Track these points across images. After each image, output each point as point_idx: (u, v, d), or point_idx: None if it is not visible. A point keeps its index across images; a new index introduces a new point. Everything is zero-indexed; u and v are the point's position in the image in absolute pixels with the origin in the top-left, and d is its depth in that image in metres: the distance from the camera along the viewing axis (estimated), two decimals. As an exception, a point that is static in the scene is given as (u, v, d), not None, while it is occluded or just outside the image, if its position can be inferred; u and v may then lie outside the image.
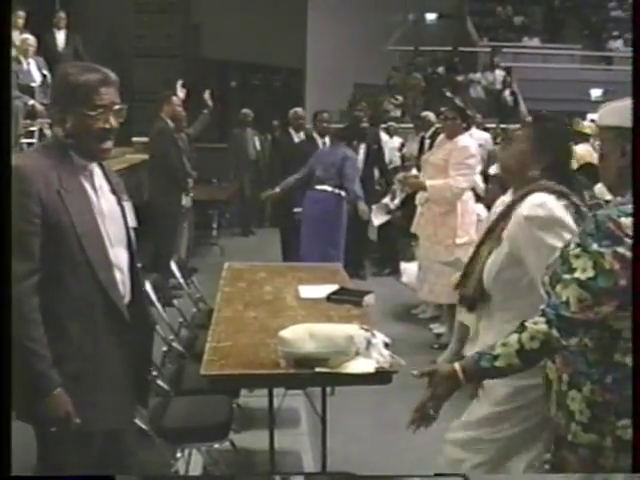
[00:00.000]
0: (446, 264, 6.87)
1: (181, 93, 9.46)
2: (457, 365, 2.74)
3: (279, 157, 11.33)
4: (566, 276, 2.58)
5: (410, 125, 14.30)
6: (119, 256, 3.20)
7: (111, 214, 3.20)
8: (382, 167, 11.89)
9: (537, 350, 2.62)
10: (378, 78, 19.88)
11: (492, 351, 2.68)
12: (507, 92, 19.49)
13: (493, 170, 8.46)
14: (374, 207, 11.02)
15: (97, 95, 3.04)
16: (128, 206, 3.30)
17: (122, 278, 3.21)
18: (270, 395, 4.56)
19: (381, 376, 3.96)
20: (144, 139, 9.99)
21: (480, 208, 8.07)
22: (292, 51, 18.52)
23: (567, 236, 2.99)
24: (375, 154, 11.36)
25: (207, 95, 10.12)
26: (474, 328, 3.66)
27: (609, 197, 3.18)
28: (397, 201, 10.81)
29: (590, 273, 2.50)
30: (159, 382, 4.60)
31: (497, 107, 19.13)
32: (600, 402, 2.62)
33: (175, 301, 5.97)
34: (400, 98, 18.94)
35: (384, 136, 13.38)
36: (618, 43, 23.26)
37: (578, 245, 2.58)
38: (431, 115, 11.93)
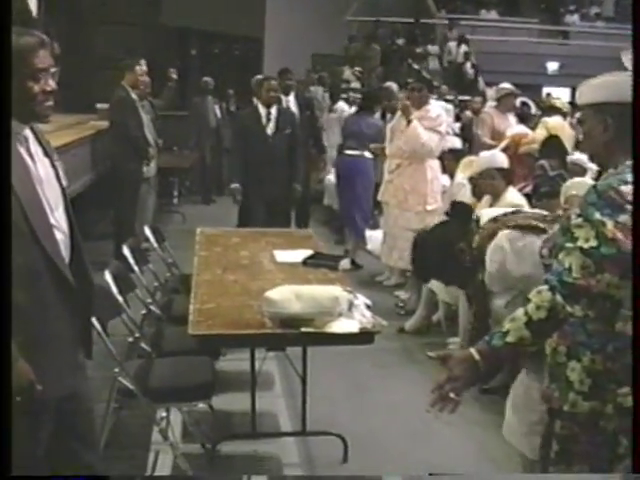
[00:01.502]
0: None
1: (144, 66, 9.43)
2: (472, 348, 2.69)
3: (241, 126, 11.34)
4: (569, 244, 2.61)
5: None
6: (59, 219, 3.16)
7: (48, 178, 3.12)
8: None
9: (545, 319, 2.60)
10: (336, 48, 19.91)
11: (502, 328, 2.67)
12: (468, 65, 19.61)
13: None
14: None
15: (37, 58, 2.97)
16: (60, 166, 3.26)
17: (64, 240, 3.20)
18: (252, 357, 4.65)
19: (364, 336, 4.07)
20: (107, 105, 9.94)
21: (445, 179, 8.20)
22: (251, 20, 18.44)
23: None
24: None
25: (171, 71, 10.36)
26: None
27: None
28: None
29: (593, 242, 2.53)
30: (142, 344, 4.67)
31: (456, 79, 19.25)
32: (601, 370, 2.65)
33: (150, 265, 5.99)
34: (360, 69, 19.01)
35: (345, 106, 13.40)
36: (574, 17, 23.50)
37: (579, 215, 2.61)
38: (394, 86, 12.01)
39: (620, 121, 2.59)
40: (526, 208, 6.26)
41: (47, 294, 3.02)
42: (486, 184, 6.55)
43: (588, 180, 5.71)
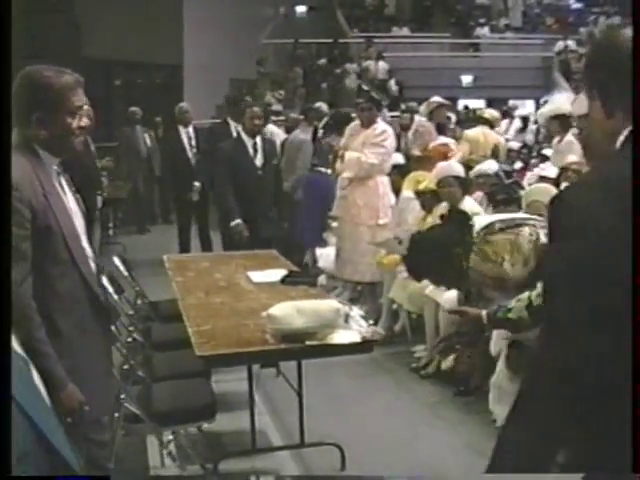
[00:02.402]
0: (378, 245, 7.19)
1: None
2: (483, 311, 3.13)
3: (168, 153, 11.55)
4: None
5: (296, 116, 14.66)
6: (87, 248, 3.31)
7: (76, 209, 3.31)
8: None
9: (542, 307, 2.72)
10: (254, 72, 20.05)
11: (508, 304, 3.04)
12: (392, 81, 19.91)
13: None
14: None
15: (76, 96, 3.12)
16: (79, 198, 3.40)
17: (94, 267, 3.32)
18: (249, 375, 4.75)
19: (365, 345, 4.22)
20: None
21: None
22: (170, 48, 18.55)
23: None
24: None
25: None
26: None
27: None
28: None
29: None
30: (137, 371, 4.74)
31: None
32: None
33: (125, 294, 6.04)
34: (282, 92, 19.19)
35: (275, 129, 13.53)
36: (484, 30, 24.02)
37: None
38: (324, 106, 12.25)
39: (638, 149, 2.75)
40: (482, 216, 6.47)
41: (86, 321, 3.12)
42: (444, 192, 6.76)
43: (550, 187, 5.93)
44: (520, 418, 1.91)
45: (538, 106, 20.84)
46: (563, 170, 6.56)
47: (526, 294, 2.99)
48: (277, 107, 17.31)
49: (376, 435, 5.36)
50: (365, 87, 10.91)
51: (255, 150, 7.67)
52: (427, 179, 7.29)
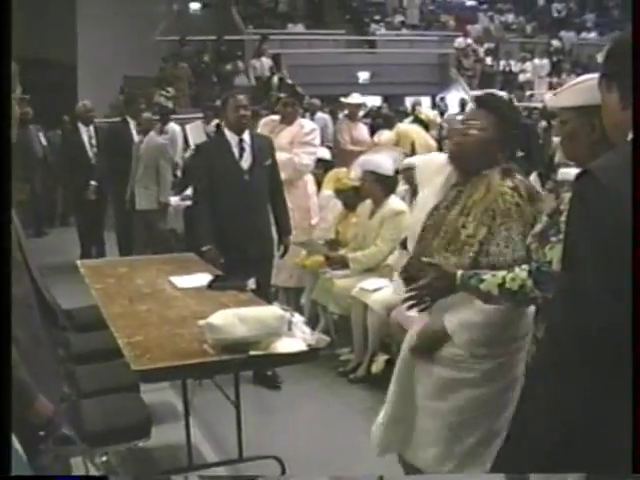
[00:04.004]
0: (300, 245, 6.96)
1: None
2: (459, 271, 3.14)
3: (67, 153, 11.27)
4: (553, 239, 2.81)
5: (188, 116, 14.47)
6: None
7: None
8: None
9: (514, 291, 2.99)
10: (149, 70, 19.62)
11: (483, 275, 3.09)
12: (275, 78, 19.68)
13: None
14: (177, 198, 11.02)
15: None
16: None
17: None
18: (184, 388, 4.48)
19: (311, 353, 3.99)
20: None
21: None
22: (64, 47, 18.05)
23: None
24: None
25: None
26: None
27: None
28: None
29: None
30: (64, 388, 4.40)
31: (265, 93, 19.23)
32: None
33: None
34: (171, 90, 18.83)
35: (177, 127, 13.33)
36: (380, 27, 24.08)
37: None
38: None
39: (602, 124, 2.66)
40: (408, 215, 6.32)
41: (39, 328, 2.87)
42: (367, 188, 6.56)
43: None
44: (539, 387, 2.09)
45: (434, 103, 21.03)
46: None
47: (501, 273, 3.04)
48: (167, 105, 16.95)
49: (312, 445, 5.14)
50: (289, 81, 10.70)
51: (242, 149, 6.30)
52: (345, 176, 7.13)
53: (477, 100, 3.79)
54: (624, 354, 1.85)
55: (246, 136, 6.32)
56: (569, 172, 6.01)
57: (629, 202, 1.85)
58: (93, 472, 4.03)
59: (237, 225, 6.14)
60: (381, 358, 6.28)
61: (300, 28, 23.60)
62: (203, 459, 4.95)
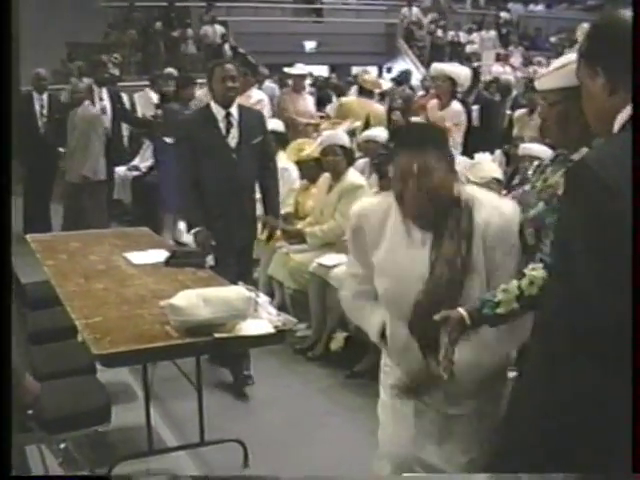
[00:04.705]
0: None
1: None
2: (463, 311, 2.66)
3: (17, 121, 10.77)
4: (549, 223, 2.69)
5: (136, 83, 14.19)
6: None
7: None
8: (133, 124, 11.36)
9: (535, 296, 2.60)
10: (94, 36, 19.22)
11: (494, 298, 2.66)
12: (227, 46, 19.42)
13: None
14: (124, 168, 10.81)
15: None
16: None
17: None
18: (145, 371, 4.32)
19: (277, 335, 3.87)
20: None
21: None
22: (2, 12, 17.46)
23: None
24: (121, 113, 10.75)
25: None
26: None
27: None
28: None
29: None
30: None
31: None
32: None
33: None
34: (119, 57, 18.45)
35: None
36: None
37: None
38: (174, 71, 11.85)
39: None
40: (367, 189, 6.23)
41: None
42: (329, 161, 6.45)
43: None
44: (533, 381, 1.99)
45: (381, 72, 20.91)
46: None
47: (514, 283, 2.66)
48: (114, 71, 16.61)
49: (274, 426, 5.02)
50: (242, 50, 10.50)
51: (229, 124, 5.63)
52: (309, 147, 6.99)
53: None
54: (619, 351, 1.79)
55: (234, 110, 5.64)
56: (531, 147, 5.98)
57: (627, 195, 1.76)
58: (51, 459, 3.88)
59: (223, 209, 5.56)
60: (340, 335, 6.19)
61: (247, -5, 23.31)
62: (163, 443, 4.79)
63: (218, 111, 5.59)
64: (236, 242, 5.62)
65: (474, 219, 2.82)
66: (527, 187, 3.01)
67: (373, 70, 19.83)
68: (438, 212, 2.82)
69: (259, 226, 6.02)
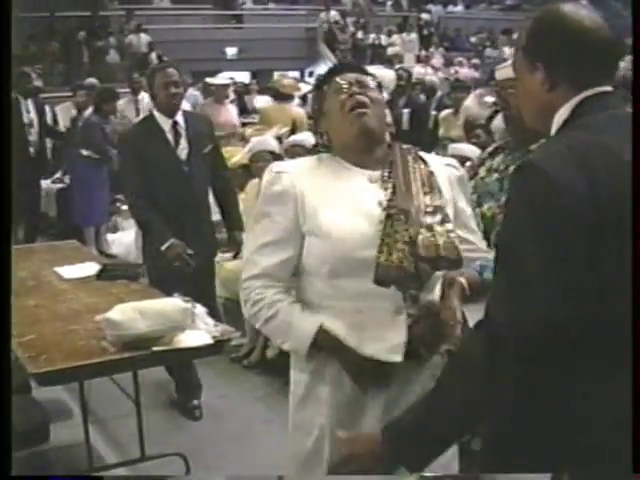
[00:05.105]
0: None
1: None
2: (462, 279, 2.49)
3: None
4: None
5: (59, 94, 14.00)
6: None
7: None
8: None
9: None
10: (14, 48, 18.91)
11: (487, 263, 2.51)
12: (154, 55, 19.29)
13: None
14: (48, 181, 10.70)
15: None
16: None
17: None
18: (81, 387, 4.26)
19: (216, 346, 3.84)
20: None
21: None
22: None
23: None
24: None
25: None
26: None
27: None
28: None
29: None
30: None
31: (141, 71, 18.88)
32: None
33: None
34: (42, 68, 18.23)
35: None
36: (246, 0, 23.93)
37: None
38: (95, 82, 11.74)
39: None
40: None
41: None
42: (259, 167, 6.45)
43: None
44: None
45: (303, 76, 20.94)
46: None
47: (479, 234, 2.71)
48: (38, 83, 16.39)
49: (214, 437, 4.99)
50: (165, 58, 10.40)
51: (177, 134, 5.24)
52: (236, 154, 7.00)
53: None
54: (564, 352, 1.82)
55: (179, 118, 5.26)
56: (461, 147, 6.04)
57: (580, 195, 1.78)
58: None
59: (176, 228, 5.12)
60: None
61: (167, 3, 23.25)
62: (102, 459, 4.73)
63: (164, 121, 5.21)
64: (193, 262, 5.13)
65: (429, 164, 2.66)
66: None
67: (294, 74, 19.94)
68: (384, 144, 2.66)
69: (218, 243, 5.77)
